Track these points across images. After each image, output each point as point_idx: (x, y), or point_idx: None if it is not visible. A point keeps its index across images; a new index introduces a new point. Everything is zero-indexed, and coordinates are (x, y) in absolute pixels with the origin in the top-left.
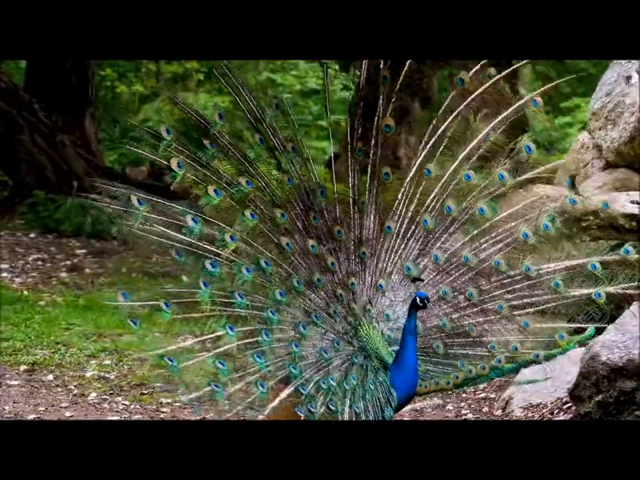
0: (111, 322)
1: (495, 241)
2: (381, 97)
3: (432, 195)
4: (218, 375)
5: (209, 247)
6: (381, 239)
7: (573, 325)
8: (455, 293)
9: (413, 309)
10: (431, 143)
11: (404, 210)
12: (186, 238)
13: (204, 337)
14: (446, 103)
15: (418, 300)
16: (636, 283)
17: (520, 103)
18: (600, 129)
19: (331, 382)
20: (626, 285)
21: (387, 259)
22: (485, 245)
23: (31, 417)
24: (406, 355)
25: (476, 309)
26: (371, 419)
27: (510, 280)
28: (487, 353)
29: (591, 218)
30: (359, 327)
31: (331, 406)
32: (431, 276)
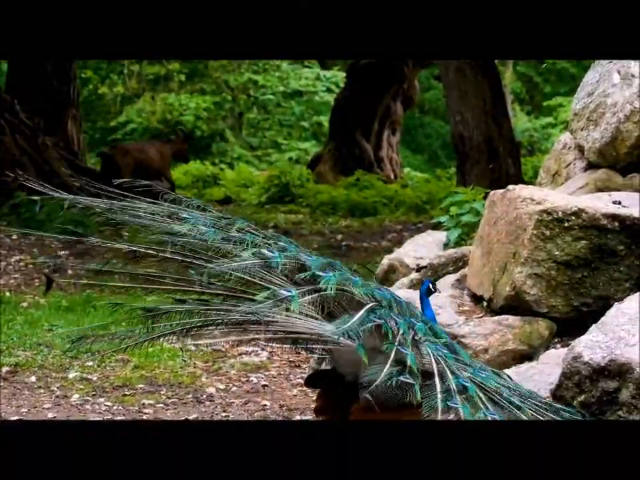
0: (93, 323)
1: None
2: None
3: None
4: None
5: None
6: None
7: None
8: None
9: (426, 296)
10: None
11: None
12: None
13: None
14: None
15: (431, 286)
16: None
17: None
18: (582, 130)
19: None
20: None
21: None
22: None
23: (14, 418)
24: None
25: None
26: None
27: None
28: None
29: (573, 218)
30: None
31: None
32: None
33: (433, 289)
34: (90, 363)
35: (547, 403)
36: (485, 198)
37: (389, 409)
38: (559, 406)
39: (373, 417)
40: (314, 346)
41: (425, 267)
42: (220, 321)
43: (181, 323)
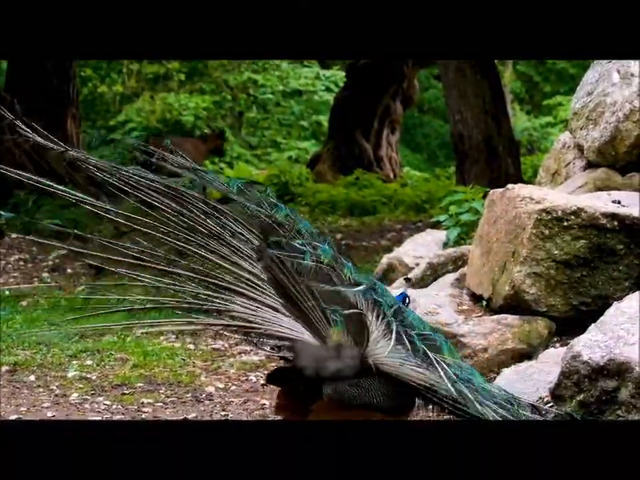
0: (92, 322)
1: None
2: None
3: None
4: None
5: None
6: None
7: None
8: None
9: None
10: None
11: None
12: None
13: None
14: None
15: (407, 300)
16: None
17: None
18: (581, 129)
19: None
20: None
21: None
22: None
23: (13, 417)
24: None
25: None
26: None
27: None
28: None
29: (573, 218)
30: None
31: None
32: None
33: (406, 304)
34: (89, 362)
35: (530, 405)
36: (484, 197)
37: (351, 408)
38: (543, 408)
39: (336, 415)
40: (268, 341)
41: (411, 279)
42: (172, 304)
43: (130, 301)
